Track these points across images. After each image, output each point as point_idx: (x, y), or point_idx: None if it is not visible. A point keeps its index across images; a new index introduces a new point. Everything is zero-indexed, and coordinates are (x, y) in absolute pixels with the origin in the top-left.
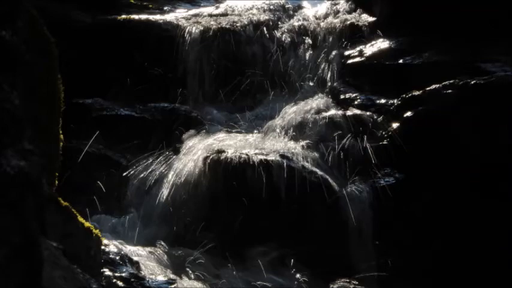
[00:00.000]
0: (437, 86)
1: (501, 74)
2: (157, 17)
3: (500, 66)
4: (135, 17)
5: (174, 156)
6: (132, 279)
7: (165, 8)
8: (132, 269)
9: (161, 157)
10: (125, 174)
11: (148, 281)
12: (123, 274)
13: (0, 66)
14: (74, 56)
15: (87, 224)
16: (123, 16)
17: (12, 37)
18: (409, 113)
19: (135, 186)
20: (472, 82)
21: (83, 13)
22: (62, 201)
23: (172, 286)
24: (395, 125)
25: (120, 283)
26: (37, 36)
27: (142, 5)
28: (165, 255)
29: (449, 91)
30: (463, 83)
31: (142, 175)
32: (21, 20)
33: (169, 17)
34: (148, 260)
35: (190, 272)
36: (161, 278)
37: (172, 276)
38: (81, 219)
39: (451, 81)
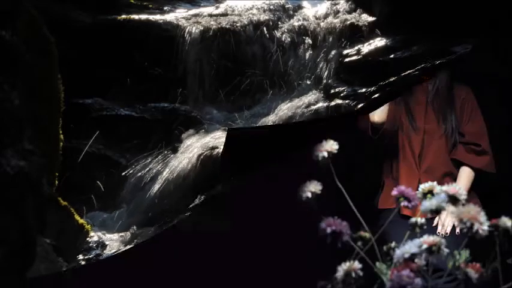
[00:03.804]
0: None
1: None
2: (157, 17)
3: None
4: (135, 17)
5: (171, 155)
6: (93, 258)
7: (165, 8)
8: (98, 251)
9: (160, 156)
10: (124, 173)
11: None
12: (90, 256)
13: (0, 66)
14: (74, 56)
15: (81, 221)
16: (123, 16)
17: (12, 37)
18: (376, 95)
19: (132, 184)
20: None
21: (83, 13)
22: (62, 201)
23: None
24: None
25: (83, 263)
26: (37, 36)
27: (143, 5)
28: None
29: None
30: None
31: (140, 174)
32: (21, 20)
33: (169, 17)
34: (116, 242)
35: None
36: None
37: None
38: (77, 217)
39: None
